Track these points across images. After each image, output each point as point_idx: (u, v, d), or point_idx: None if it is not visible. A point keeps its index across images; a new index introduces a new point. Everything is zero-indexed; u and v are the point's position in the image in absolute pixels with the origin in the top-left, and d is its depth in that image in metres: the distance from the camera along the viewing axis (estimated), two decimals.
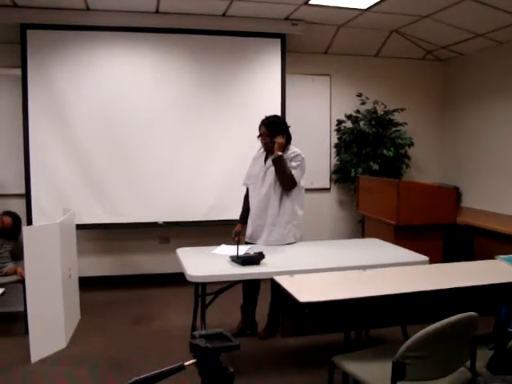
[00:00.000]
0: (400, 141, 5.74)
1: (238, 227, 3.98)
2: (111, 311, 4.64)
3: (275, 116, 3.81)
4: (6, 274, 4.24)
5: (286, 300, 2.48)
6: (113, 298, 5.05)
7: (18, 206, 5.00)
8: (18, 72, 4.94)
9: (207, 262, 3.24)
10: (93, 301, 4.82)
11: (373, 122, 5.80)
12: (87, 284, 5.13)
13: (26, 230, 3.47)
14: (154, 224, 5.28)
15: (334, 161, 6.04)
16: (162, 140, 5.25)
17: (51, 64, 4.96)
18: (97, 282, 5.44)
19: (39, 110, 4.96)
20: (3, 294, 2.88)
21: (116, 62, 5.12)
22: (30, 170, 4.99)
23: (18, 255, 4.28)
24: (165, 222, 5.28)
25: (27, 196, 5.01)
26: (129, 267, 5.57)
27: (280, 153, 3.65)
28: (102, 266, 5.51)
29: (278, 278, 2.68)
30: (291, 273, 2.83)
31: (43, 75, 4.95)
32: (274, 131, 3.68)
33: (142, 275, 5.60)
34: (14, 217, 4.69)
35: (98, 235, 5.45)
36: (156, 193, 5.24)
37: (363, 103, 5.89)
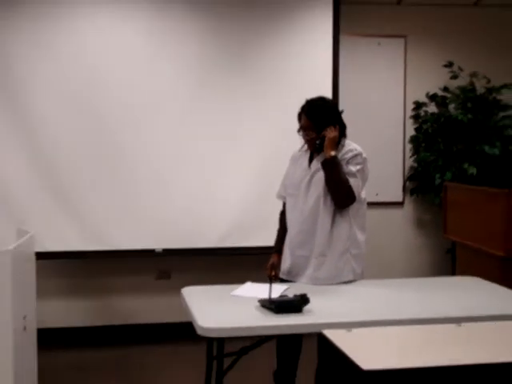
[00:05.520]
0: (511, 131, 5.71)
1: (273, 258, 3.98)
2: (87, 381, 4.62)
3: (321, 99, 3.79)
4: None
5: (341, 366, 2.42)
6: (88, 361, 5.06)
7: None
8: None
9: (226, 309, 3.22)
10: (58, 366, 4.82)
11: (469, 105, 5.77)
12: (51, 340, 5.13)
13: None
14: (149, 252, 5.32)
15: (410, 162, 6.04)
16: (162, 137, 5.31)
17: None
18: (65, 337, 5.46)
19: None
20: None
21: (95, 26, 5.19)
22: None
23: None
24: (164, 250, 5.32)
25: None
26: (112, 315, 5.60)
27: (334, 152, 3.63)
28: (73, 313, 5.54)
29: (329, 334, 2.60)
30: (349, 326, 2.77)
31: None
32: (321, 122, 3.66)
33: (130, 327, 5.62)
34: None
35: (68, 269, 5.49)
36: (152, 209, 5.29)
37: (455, 77, 5.87)
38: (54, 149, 5.15)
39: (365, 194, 3.82)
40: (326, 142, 3.64)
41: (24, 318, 3.89)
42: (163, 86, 5.30)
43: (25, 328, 3.91)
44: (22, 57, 5.08)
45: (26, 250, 4.08)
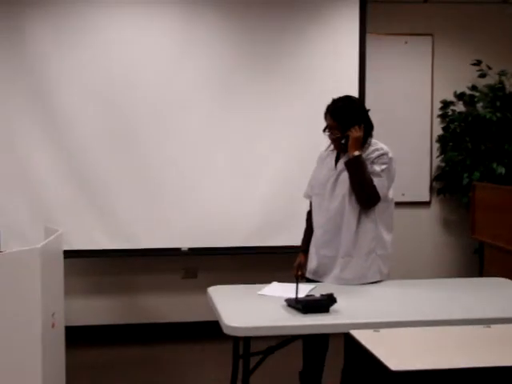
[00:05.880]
0: None
1: (300, 258, 3.98)
2: (113, 379, 4.65)
3: (346, 98, 3.77)
4: None
5: (369, 366, 2.41)
6: (114, 359, 5.09)
7: None
8: None
9: (252, 308, 3.22)
10: (86, 363, 4.84)
11: (498, 104, 5.74)
12: (78, 338, 5.15)
13: None
14: (176, 251, 5.34)
15: (438, 161, 6.01)
16: (189, 136, 5.33)
17: (30, 24, 5.09)
18: (92, 334, 5.50)
19: (9, 88, 5.10)
20: None
21: (123, 26, 5.23)
22: None
23: None
24: (190, 249, 5.34)
25: None
26: (138, 314, 5.64)
27: (357, 152, 3.62)
28: (101, 311, 5.58)
29: (356, 334, 2.61)
30: (376, 326, 2.77)
31: (15, 38, 5.08)
32: (346, 121, 3.65)
33: (156, 325, 5.65)
34: None
35: (96, 267, 5.53)
36: (179, 208, 5.32)
37: (483, 75, 5.84)
38: (82, 148, 5.18)
39: (392, 193, 3.80)
40: (350, 142, 3.63)
41: (53, 315, 3.92)
42: (189, 85, 5.30)
43: (53, 325, 3.94)
44: (50, 56, 5.11)
45: (54, 247, 4.11)
